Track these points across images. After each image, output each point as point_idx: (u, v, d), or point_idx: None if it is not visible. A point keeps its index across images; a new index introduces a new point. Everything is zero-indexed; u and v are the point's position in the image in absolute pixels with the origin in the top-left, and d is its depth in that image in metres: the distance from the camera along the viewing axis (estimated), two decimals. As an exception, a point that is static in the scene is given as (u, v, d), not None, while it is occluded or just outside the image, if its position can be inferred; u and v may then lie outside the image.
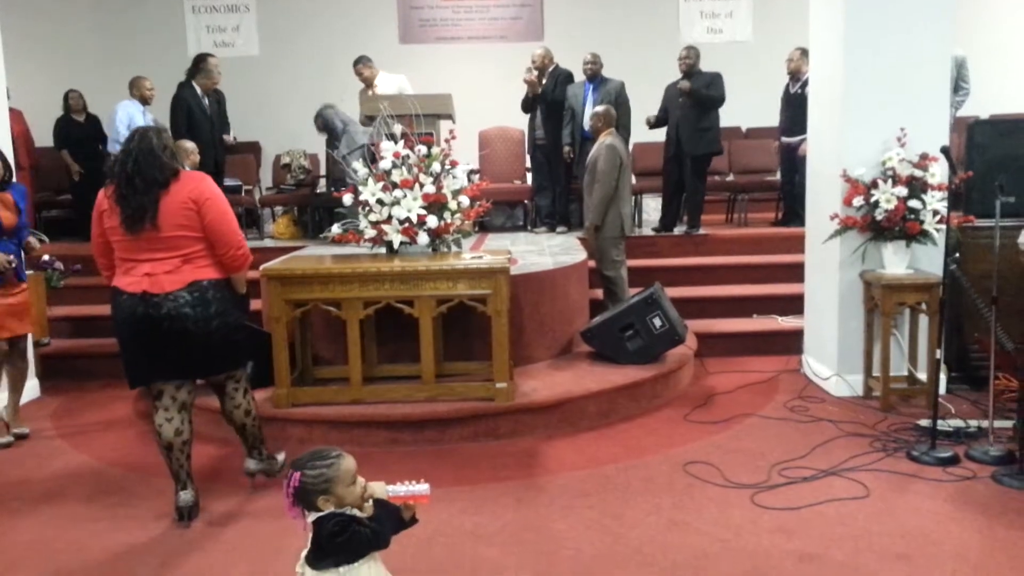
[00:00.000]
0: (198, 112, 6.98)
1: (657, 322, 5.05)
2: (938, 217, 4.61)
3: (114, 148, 6.66)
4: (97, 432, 4.77)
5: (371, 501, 2.12)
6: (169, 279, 3.29)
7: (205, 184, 3.39)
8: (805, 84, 7.16)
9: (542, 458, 4.12)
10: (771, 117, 8.57)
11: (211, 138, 7.03)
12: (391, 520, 2.13)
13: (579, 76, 7.45)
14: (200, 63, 7.10)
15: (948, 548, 3.10)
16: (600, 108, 5.89)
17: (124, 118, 6.76)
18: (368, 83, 7.64)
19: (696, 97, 6.95)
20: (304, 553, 2.11)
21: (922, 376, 4.78)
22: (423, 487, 2.14)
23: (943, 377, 4.78)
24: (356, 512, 2.09)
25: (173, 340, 3.31)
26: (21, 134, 8.00)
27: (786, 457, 3.99)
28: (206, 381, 3.65)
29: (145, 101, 6.82)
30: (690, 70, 7.07)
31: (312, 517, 2.08)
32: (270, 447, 3.93)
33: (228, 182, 7.67)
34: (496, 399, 4.41)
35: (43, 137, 8.52)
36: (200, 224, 3.33)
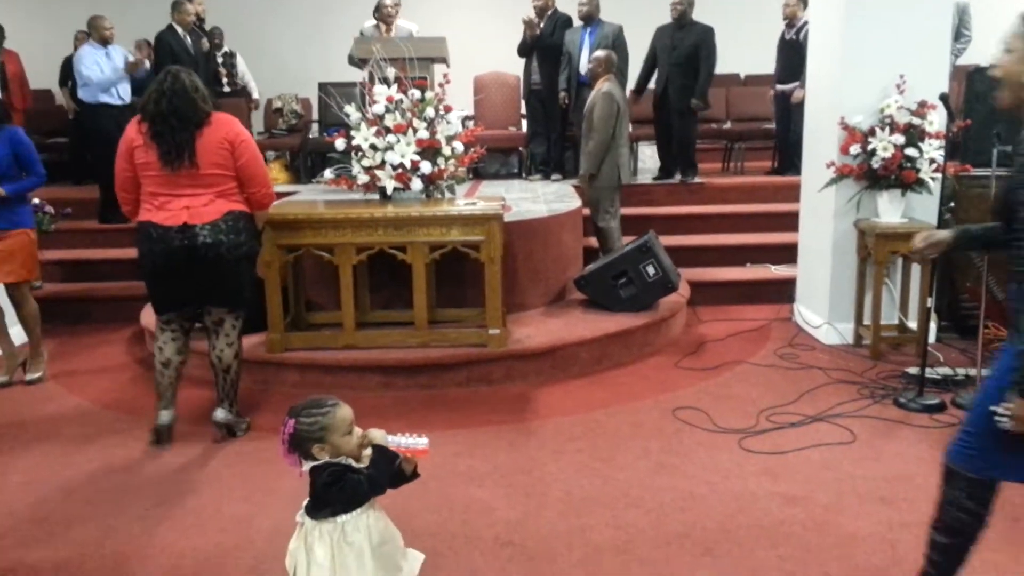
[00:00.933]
0: (181, 52, 6.89)
1: (650, 270, 5.06)
2: (935, 166, 4.58)
3: (85, 93, 6.52)
4: (90, 375, 4.79)
5: (369, 448, 2.11)
6: (207, 210, 3.49)
7: (238, 126, 3.59)
8: (800, 30, 7.10)
9: (534, 403, 4.16)
10: (769, 64, 8.46)
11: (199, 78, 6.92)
12: (388, 467, 2.12)
13: (577, 21, 7.31)
14: (175, 3, 7.03)
15: (930, 492, 3.11)
16: (601, 53, 5.78)
17: (89, 62, 6.53)
18: (388, 21, 7.36)
19: (698, 107, 7.01)
20: (304, 503, 2.12)
21: (912, 325, 4.81)
22: (422, 440, 2.12)
23: (933, 326, 4.81)
24: (351, 462, 2.09)
25: (205, 267, 3.50)
26: (16, 75, 7.89)
27: (774, 403, 4.03)
28: (206, 319, 3.74)
29: (105, 42, 6.59)
30: (682, 18, 6.99)
31: (307, 466, 2.08)
32: (260, 396, 3.95)
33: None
34: (489, 345, 4.43)
35: (38, 80, 8.41)
36: (233, 163, 3.53)
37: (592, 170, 5.54)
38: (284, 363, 4.42)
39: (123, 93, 6.61)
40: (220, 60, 8.11)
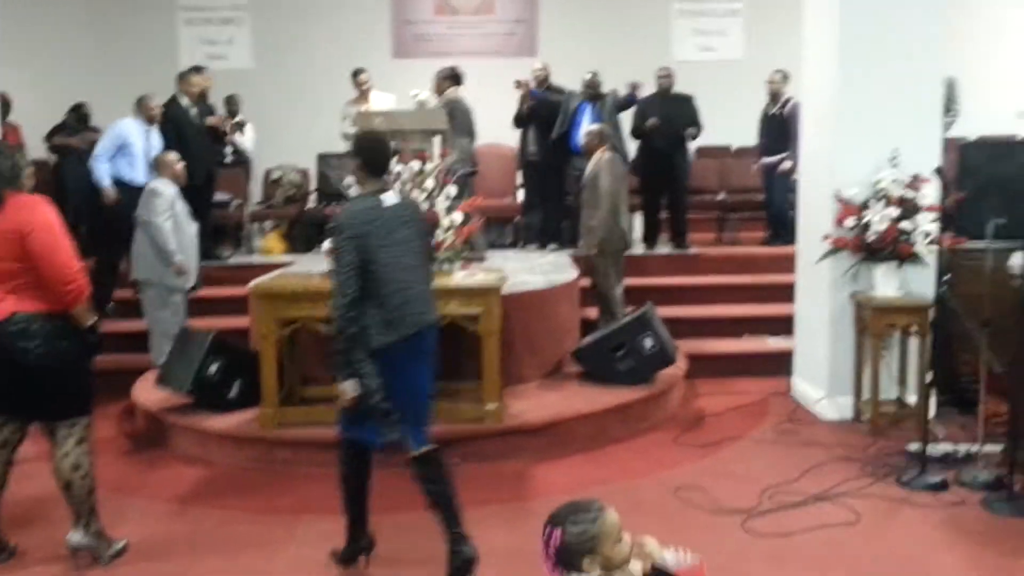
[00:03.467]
0: (184, 123, 6.93)
1: (648, 343, 5.03)
2: (929, 239, 4.61)
3: (95, 163, 6.39)
4: None
5: (647, 564, 1.91)
6: None
7: (35, 213, 3.07)
8: (784, 105, 7.31)
9: (532, 481, 4.09)
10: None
11: (200, 149, 6.98)
12: None
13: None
14: (181, 75, 7.13)
15: (937, 574, 3.08)
16: (595, 127, 5.90)
17: (113, 134, 6.42)
18: (366, 95, 7.60)
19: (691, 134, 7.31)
20: None
21: (911, 399, 4.77)
22: (695, 558, 1.93)
23: (932, 401, 4.77)
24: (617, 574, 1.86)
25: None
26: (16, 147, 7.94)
27: (776, 481, 3.96)
28: (42, 426, 3.28)
29: (152, 121, 6.51)
30: (669, 88, 7.40)
31: None
32: (253, 476, 3.79)
33: (217, 197, 7.62)
34: (486, 420, 4.38)
35: (38, 149, 8.48)
36: (26, 256, 3.03)
37: (604, 236, 5.56)
38: (277, 440, 4.35)
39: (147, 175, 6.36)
40: (231, 122, 8.19)
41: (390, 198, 3.12)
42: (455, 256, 4.96)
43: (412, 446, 3.09)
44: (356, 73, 7.81)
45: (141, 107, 6.49)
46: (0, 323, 3.04)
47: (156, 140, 6.51)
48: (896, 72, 4.74)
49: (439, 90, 6.73)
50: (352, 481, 3.20)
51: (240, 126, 8.31)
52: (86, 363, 3.26)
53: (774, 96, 7.57)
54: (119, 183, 6.34)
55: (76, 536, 3.26)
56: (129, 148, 6.35)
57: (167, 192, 5.35)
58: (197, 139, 6.97)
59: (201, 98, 7.25)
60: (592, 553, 1.84)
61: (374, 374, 2.97)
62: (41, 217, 3.07)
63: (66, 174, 7.82)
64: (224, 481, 4.18)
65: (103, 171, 6.35)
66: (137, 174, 6.32)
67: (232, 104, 8.49)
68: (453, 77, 6.73)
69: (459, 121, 6.36)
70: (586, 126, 6.60)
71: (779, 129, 7.38)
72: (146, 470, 4.39)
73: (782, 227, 7.20)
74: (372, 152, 3.17)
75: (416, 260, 3.13)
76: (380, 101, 7.55)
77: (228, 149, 8.22)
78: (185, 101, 6.98)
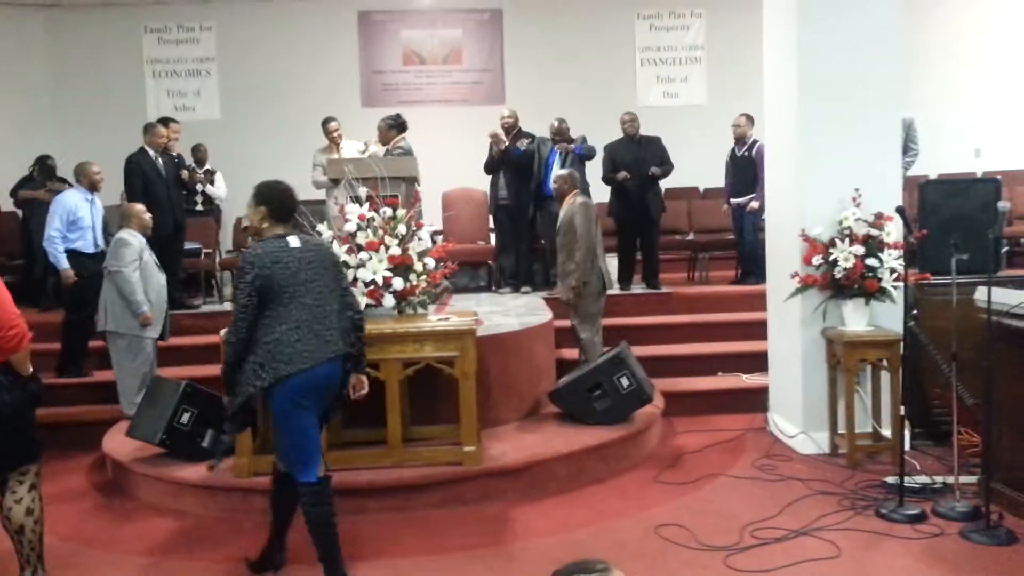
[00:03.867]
0: (152, 174, 6.90)
1: (624, 382, 5.04)
2: (895, 275, 4.71)
3: (50, 245, 6.02)
4: (52, 505, 4.56)
5: None
6: None
7: None
8: (751, 147, 7.50)
9: (512, 524, 4.04)
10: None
11: (168, 200, 6.95)
12: None
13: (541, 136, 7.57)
14: (147, 126, 7.10)
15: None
16: (564, 171, 5.97)
17: (62, 211, 6.05)
18: (336, 143, 7.68)
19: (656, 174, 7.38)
20: None
21: (886, 432, 4.82)
22: None
23: (907, 433, 4.83)
24: None
25: None
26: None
27: (757, 517, 3.96)
28: None
29: (94, 187, 6.22)
30: (636, 132, 7.50)
31: None
32: (227, 525, 3.69)
33: (188, 245, 7.57)
34: (464, 463, 4.34)
35: (5, 203, 8.39)
36: None
37: (585, 278, 5.55)
38: (252, 489, 4.26)
39: (100, 241, 6.21)
40: (201, 175, 8.17)
41: (295, 241, 3.35)
42: (430, 298, 4.97)
43: (299, 477, 3.31)
44: (326, 122, 7.88)
45: (83, 174, 6.22)
46: None
47: (99, 206, 6.31)
48: (856, 112, 4.88)
49: (384, 140, 6.81)
50: (278, 504, 3.50)
51: (210, 174, 8.31)
52: (30, 413, 3.23)
53: (740, 139, 7.75)
54: (74, 255, 6.05)
55: None
56: (79, 222, 6.06)
57: (134, 242, 5.32)
58: (164, 190, 6.96)
59: (166, 150, 7.24)
60: None
61: (245, 402, 3.22)
62: None
63: (33, 228, 7.68)
64: (198, 532, 4.08)
65: (59, 253, 6.01)
66: (88, 245, 6.11)
67: (199, 152, 8.49)
68: (398, 126, 6.82)
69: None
70: (556, 171, 6.70)
71: (746, 170, 7.56)
72: (118, 522, 4.27)
73: (755, 265, 7.32)
74: (278, 200, 3.44)
75: (316, 300, 3.29)
76: (351, 149, 7.60)
77: (199, 198, 8.20)
78: (152, 153, 6.97)
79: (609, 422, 4.99)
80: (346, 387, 3.46)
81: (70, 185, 6.78)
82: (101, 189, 6.36)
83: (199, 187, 8.06)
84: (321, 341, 3.25)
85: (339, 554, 3.33)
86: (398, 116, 6.89)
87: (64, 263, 6.03)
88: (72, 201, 6.12)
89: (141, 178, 6.81)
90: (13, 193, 8.15)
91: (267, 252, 3.27)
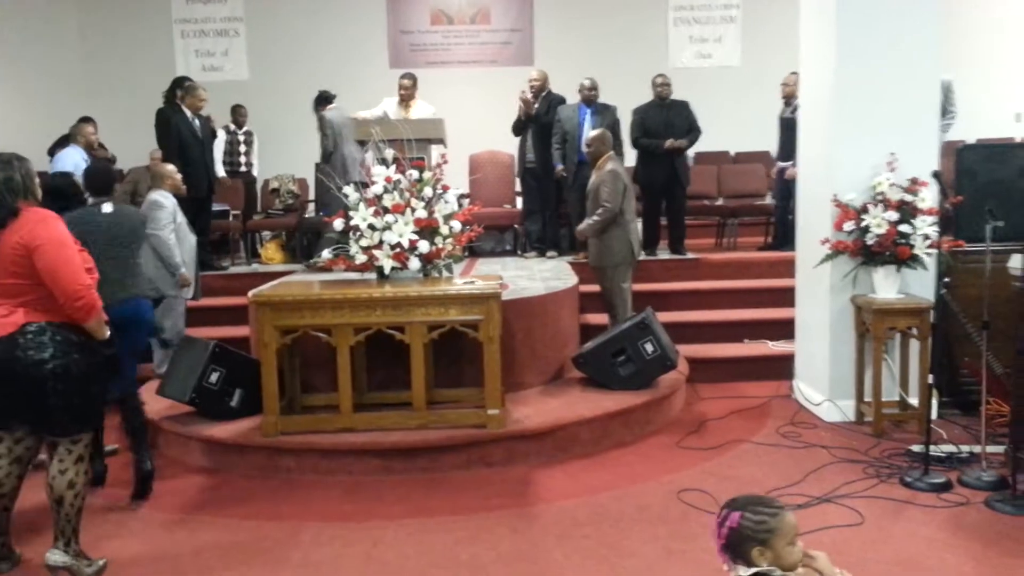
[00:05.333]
0: (188, 135, 6.92)
1: (649, 347, 5.03)
2: (928, 242, 4.62)
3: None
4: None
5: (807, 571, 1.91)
6: (4, 323, 3.01)
7: (42, 227, 3.02)
8: (796, 109, 7.21)
9: (535, 486, 4.08)
10: (758, 142, 8.61)
11: (203, 161, 7.01)
12: None
13: (571, 99, 7.46)
14: (183, 83, 7.04)
15: (942, 574, 3.08)
16: (596, 132, 5.88)
17: (63, 168, 6.03)
18: (405, 100, 7.46)
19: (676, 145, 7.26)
20: None
21: (913, 401, 4.78)
22: None
23: (934, 402, 4.78)
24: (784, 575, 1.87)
25: (5, 386, 3.03)
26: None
27: (780, 484, 3.96)
28: (45, 441, 3.26)
29: (90, 147, 6.21)
30: (667, 95, 7.35)
31: (745, 572, 1.88)
32: (255, 484, 3.78)
33: (216, 207, 7.64)
34: (488, 426, 4.37)
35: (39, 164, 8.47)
36: (33, 270, 3.00)
37: (588, 233, 5.59)
38: (280, 448, 4.34)
39: None
40: (242, 138, 8.20)
41: (108, 207, 4.15)
42: (455, 261, 4.98)
43: (115, 392, 3.86)
44: (401, 76, 7.59)
45: (80, 134, 6.20)
46: (12, 334, 3.00)
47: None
48: (892, 75, 4.76)
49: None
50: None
51: (250, 136, 8.37)
52: (97, 378, 3.21)
53: (788, 99, 7.43)
54: None
55: (56, 555, 3.17)
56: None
57: (168, 204, 5.35)
58: (197, 149, 6.99)
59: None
60: (764, 545, 1.86)
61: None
62: (48, 232, 3.03)
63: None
64: (227, 490, 4.17)
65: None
66: None
67: (238, 114, 8.50)
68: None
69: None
70: (589, 133, 6.62)
71: (792, 132, 7.28)
72: (148, 479, 4.37)
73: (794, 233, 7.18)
74: (96, 178, 4.32)
75: (110, 254, 3.99)
76: (421, 109, 7.44)
77: (242, 159, 8.25)
78: (189, 113, 6.99)
79: (633, 387, 4.99)
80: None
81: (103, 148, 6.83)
82: (95, 148, 6.38)
83: (242, 148, 8.11)
84: (109, 290, 3.64)
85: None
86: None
87: None
88: (72, 160, 6.18)
89: (177, 138, 6.84)
90: (51, 152, 8.24)
91: (77, 216, 3.86)
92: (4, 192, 3.03)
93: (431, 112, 7.36)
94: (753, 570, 1.86)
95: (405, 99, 7.44)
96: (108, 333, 3.21)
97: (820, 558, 1.94)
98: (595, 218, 5.54)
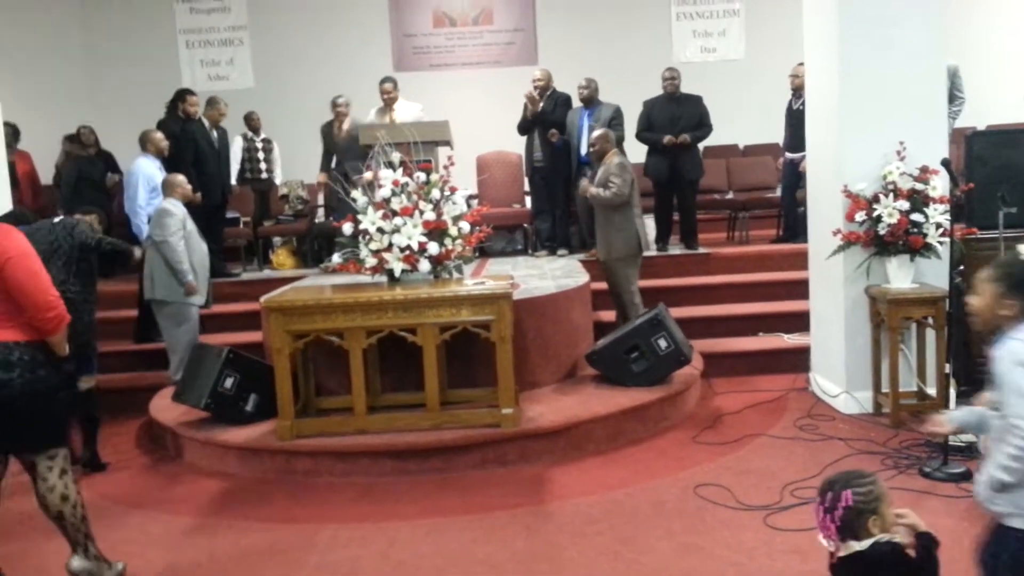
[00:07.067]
0: (205, 146, 6.99)
1: (662, 343, 5.01)
2: (941, 230, 4.58)
3: (135, 216, 6.12)
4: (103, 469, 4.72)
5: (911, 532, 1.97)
6: None
7: (8, 240, 2.99)
8: (804, 100, 7.17)
9: (550, 484, 4.07)
10: (767, 134, 8.56)
11: (218, 171, 7.08)
12: (932, 558, 1.95)
13: (575, 97, 7.44)
14: (184, 95, 7.05)
15: (963, 566, 3.04)
16: (600, 131, 5.88)
17: (144, 180, 6.14)
18: (390, 104, 7.54)
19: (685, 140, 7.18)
20: None
21: (931, 391, 4.74)
22: None
23: (952, 392, 4.74)
24: (895, 538, 1.94)
25: None
26: (27, 175, 7.95)
27: (797, 477, 3.93)
28: (20, 460, 3.18)
29: (162, 154, 6.31)
30: (676, 90, 7.26)
31: (864, 544, 1.92)
32: (272, 487, 3.78)
33: (228, 215, 7.67)
34: (502, 425, 4.37)
35: (45, 178, 8.55)
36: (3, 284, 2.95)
37: (596, 202, 5.64)
38: (295, 451, 4.35)
39: None
40: (260, 145, 8.25)
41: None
42: (466, 262, 4.98)
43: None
44: (381, 82, 7.60)
45: (150, 143, 6.28)
46: None
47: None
48: (898, 62, 4.72)
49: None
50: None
51: (268, 143, 8.42)
52: (62, 393, 3.20)
53: (796, 91, 7.30)
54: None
55: (77, 562, 3.18)
56: (158, 188, 6.00)
57: (177, 212, 5.38)
58: (213, 160, 7.06)
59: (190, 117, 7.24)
60: (875, 514, 1.91)
61: None
62: (14, 245, 2.99)
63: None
64: (243, 493, 4.18)
65: (143, 224, 5.99)
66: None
67: (252, 121, 8.53)
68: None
69: None
70: (591, 134, 6.60)
71: (801, 124, 7.22)
72: (165, 485, 4.39)
73: (805, 225, 7.14)
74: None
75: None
76: (406, 110, 7.48)
77: (262, 166, 8.31)
78: (207, 124, 7.04)
79: (647, 384, 4.97)
80: None
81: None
82: (166, 155, 6.44)
83: (260, 155, 8.17)
84: None
85: None
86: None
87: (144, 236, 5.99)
88: (148, 169, 6.24)
89: (193, 149, 6.88)
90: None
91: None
92: None
93: (417, 110, 7.40)
94: (870, 540, 1.90)
95: (388, 103, 7.49)
96: (67, 350, 3.18)
97: (909, 514, 2.00)
98: (606, 193, 5.54)
